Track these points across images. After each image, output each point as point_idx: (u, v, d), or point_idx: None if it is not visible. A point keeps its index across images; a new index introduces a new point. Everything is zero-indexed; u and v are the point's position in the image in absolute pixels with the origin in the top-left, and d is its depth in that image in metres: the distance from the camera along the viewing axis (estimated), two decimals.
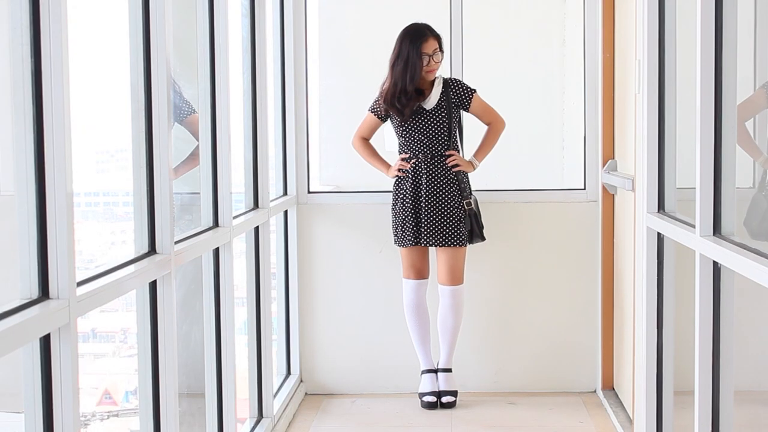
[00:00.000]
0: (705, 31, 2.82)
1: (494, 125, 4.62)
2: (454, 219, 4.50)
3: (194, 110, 3.45)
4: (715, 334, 2.84)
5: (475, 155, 4.61)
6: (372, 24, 5.38)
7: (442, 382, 4.65)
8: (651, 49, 3.51)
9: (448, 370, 4.66)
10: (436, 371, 4.68)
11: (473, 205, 4.56)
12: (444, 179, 4.52)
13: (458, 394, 4.68)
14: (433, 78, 4.52)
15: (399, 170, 4.57)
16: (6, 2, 1.99)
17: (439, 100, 4.53)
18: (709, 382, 2.85)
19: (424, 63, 4.45)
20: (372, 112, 4.63)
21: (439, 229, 4.50)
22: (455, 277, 4.56)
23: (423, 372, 4.68)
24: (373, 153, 4.69)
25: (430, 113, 4.52)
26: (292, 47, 4.86)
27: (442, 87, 4.55)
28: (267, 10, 4.26)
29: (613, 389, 4.76)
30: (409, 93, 4.46)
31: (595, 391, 4.88)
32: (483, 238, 4.60)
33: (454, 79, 4.63)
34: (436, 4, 4.94)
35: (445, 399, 4.62)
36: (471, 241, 4.57)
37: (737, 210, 2.85)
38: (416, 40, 4.44)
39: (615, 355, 4.72)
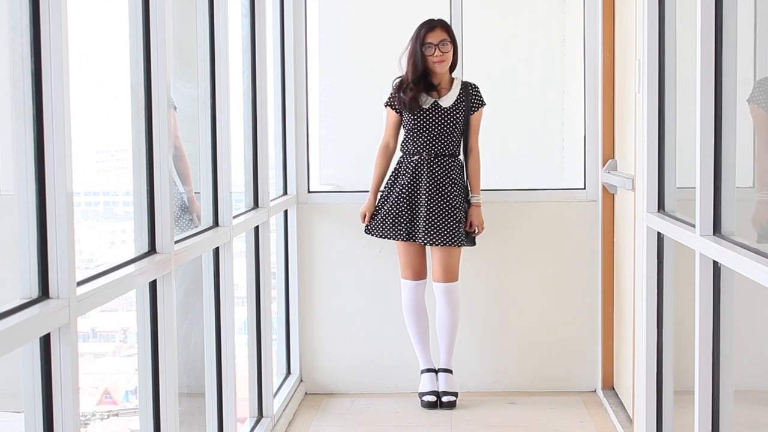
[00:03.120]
0: (705, 31, 2.82)
1: (475, 154, 4.59)
2: (454, 219, 4.48)
3: (174, 106, 3.44)
4: (715, 334, 2.84)
5: (475, 193, 4.59)
6: (372, 24, 5.37)
7: (443, 383, 4.63)
8: (651, 49, 3.51)
9: (449, 371, 4.65)
10: (435, 371, 4.67)
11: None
12: (446, 179, 4.50)
13: (458, 395, 4.67)
14: (441, 70, 4.50)
15: (363, 218, 4.61)
16: (6, 2, 1.99)
17: (457, 100, 4.53)
18: (709, 382, 2.85)
19: (430, 53, 4.45)
20: (388, 107, 4.61)
21: (437, 229, 4.47)
22: (450, 275, 4.55)
23: (422, 371, 4.68)
24: (381, 174, 4.64)
25: (447, 111, 4.52)
26: (292, 47, 4.86)
27: (461, 88, 4.55)
28: (267, 10, 4.26)
29: (613, 389, 4.76)
30: (412, 83, 4.47)
31: (595, 391, 4.88)
32: (474, 243, 4.62)
33: (474, 84, 4.62)
34: (436, 4, 4.94)
35: (445, 398, 4.60)
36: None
37: (737, 210, 2.86)
38: (422, 30, 4.47)
39: (615, 354, 4.72)
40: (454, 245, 4.50)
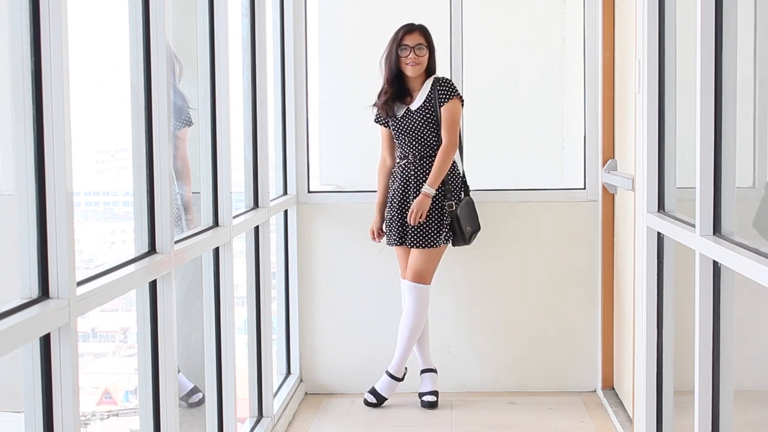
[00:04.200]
0: (705, 31, 2.82)
1: (446, 147, 4.42)
2: (431, 220, 4.44)
3: (191, 122, 3.45)
4: (715, 334, 2.84)
5: (428, 184, 4.41)
6: (372, 24, 5.38)
7: (383, 386, 4.62)
8: (651, 49, 3.51)
9: (395, 378, 4.61)
10: (435, 370, 4.67)
11: (455, 208, 4.46)
12: None
13: (385, 401, 4.64)
14: (415, 74, 4.46)
15: (372, 233, 4.65)
16: (6, 2, 1.99)
17: (426, 99, 4.47)
18: (709, 382, 2.85)
19: (404, 54, 4.44)
20: (376, 122, 4.63)
21: (418, 231, 4.46)
22: (417, 275, 4.49)
23: (422, 372, 4.67)
24: (382, 189, 4.63)
25: (416, 113, 4.47)
26: (292, 47, 4.86)
27: (431, 86, 4.48)
28: (267, 10, 4.26)
29: (613, 389, 4.76)
30: (386, 85, 4.48)
31: (595, 391, 4.88)
32: (466, 242, 4.51)
33: (445, 78, 4.53)
34: (436, 4, 4.94)
35: (368, 398, 4.63)
36: (454, 244, 4.53)
37: (737, 210, 2.86)
38: (400, 32, 4.47)
39: (615, 355, 4.72)
40: (430, 246, 4.45)
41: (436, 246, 4.47)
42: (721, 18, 2.79)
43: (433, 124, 4.48)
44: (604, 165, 4.69)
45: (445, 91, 4.47)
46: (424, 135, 4.48)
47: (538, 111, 5.34)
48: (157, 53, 2.69)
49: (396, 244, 4.55)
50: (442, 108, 4.47)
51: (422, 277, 4.50)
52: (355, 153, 5.14)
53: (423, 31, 4.48)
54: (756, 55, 3.14)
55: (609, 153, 4.69)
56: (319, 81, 5.22)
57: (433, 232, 4.46)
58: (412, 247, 4.49)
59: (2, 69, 2.05)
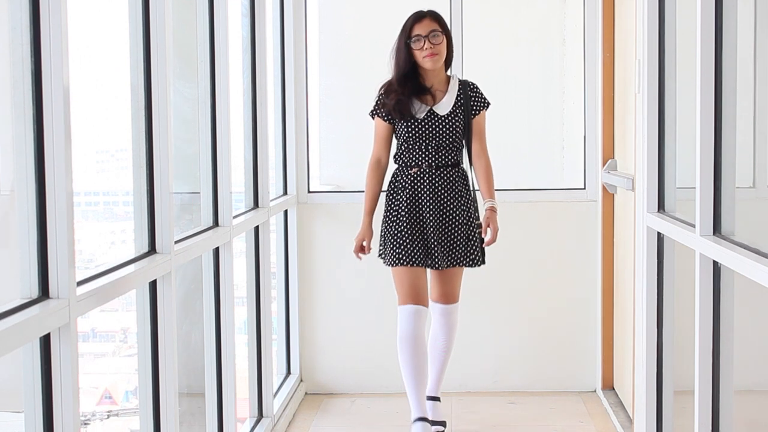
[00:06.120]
0: (705, 31, 2.82)
1: (485, 159, 4.02)
2: (468, 237, 3.99)
3: None
4: (715, 333, 2.84)
5: (490, 198, 3.99)
6: (372, 24, 5.37)
7: (429, 412, 4.14)
8: (651, 49, 3.51)
9: (436, 399, 4.22)
10: (429, 421, 4.08)
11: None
12: (449, 194, 3.97)
13: (446, 424, 4.28)
14: (433, 66, 3.90)
15: (360, 247, 4.08)
16: (6, 2, 1.99)
17: (456, 104, 3.97)
18: (709, 381, 2.85)
19: (418, 46, 3.87)
20: (375, 116, 4.06)
21: (455, 250, 3.97)
22: (452, 296, 4.08)
23: (414, 420, 4.01)
24: (375, 194, 4.10)
25: (445, 120, 3.94)
26: (292, 47, 4.86)
27: (459, 89, 4.00)
28: (267, 10, 4.26)
29: (613, 389, 4.76)
30: (396, 85, 3.92)
31: (595, 391, 4.88)
32: (485, 261, 4.12)
33: (473, 83, 4.07)
34: (436, 5, 4.93)
35: (433, 428, 4.10)
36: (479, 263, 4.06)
37: (737, 210, 2.86)
38: (408, 22, 3.93)
39: (615, 355, 4.72)
40: (475, 265, 4.02)
41: (485, 261, 4.08)
42: (721, 18, 2.79)
43: (459, 134, 3.97)
44: (604, 165, 4.69)
45: (480, 100, 4.03)
46: (450, 143, 3.95)
47: (538, 111, 5.34)
48: (157, 53, 2.69)
49: (421, 265, 3.93)
50: (475, 119, 4.01)
51: (456, 296, 4.08)
52: (355, 153, 5.13)
53: (434, 16, 3.92)
54: (756, 55, 3.13)
55: (609, 153, 4.69)
56: (319, 81, 5.22)
57: (480, 245, 4.01)
58: (453, 266, 3.98)
59: (2, 69, 2.05)
